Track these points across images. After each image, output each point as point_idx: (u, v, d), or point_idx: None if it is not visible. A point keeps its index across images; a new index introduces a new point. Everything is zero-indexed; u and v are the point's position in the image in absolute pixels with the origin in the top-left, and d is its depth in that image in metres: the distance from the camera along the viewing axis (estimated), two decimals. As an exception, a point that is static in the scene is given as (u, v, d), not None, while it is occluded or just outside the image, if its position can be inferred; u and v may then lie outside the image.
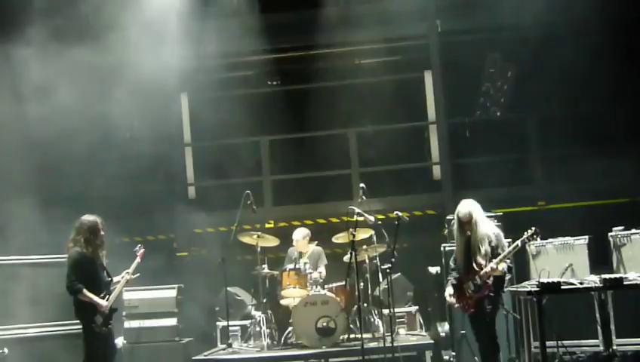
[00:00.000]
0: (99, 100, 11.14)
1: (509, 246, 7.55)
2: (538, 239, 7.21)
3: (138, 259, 8.71)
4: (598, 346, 9.33)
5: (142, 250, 8.79)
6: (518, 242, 7.32)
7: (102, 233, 8.39)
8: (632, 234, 9.27)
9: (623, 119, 12.44)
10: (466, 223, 7.51)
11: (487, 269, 7.35)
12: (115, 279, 8.60)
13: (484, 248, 7.44)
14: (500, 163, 12.82)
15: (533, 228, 7.27)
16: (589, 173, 12.06)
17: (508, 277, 7.54)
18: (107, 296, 8.35)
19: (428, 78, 13.67)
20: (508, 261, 7.47)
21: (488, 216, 9.63)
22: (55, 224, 9.49)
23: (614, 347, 9.15)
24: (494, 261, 7.33)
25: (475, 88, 13.43)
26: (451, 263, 7.96)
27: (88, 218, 8.39)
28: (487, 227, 7.60)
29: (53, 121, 10.44)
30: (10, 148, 10.72)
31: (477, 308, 7.60)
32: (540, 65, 12.49)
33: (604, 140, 12.05)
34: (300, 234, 10.67)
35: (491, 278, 7.42)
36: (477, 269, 7.44)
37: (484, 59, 13.28)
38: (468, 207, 7.60)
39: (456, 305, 7.99)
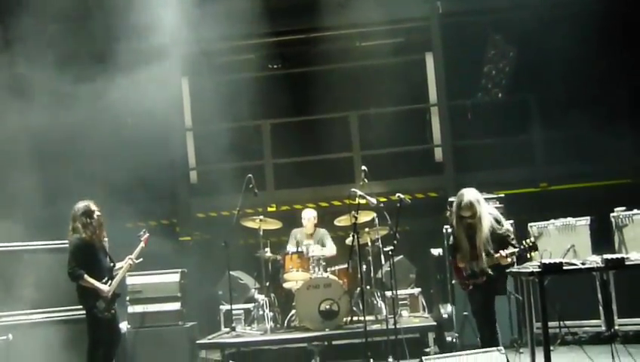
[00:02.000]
0: (99, 86, 11.12)
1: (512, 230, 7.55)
2: (535, 252, 7.19)
3: (142, 244, 8.72)
4: (600, 326, 9.39)
5: (146, 235, 8.80)
6: (516, 250, 7.26)
7: (97, 214, 8.41)
8: (633, 214, 9.31)
9: (625, 100, 12.41)
10: (466, 211, 7.42)
11: (486, 258, 7.31)
12: (119, 265, 8.63)
13: (489, 246, 7.38)
14: (501, 144, 12.82)
15: (532, 240, 7.22)
16: (590, 155, 12.06)
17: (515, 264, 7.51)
18: (109, 281, 8.38)
19: (429, 60, 13.63)
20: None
21: (490, 198, 9.68)
22: (57, 209, 9.51)
23: (616, 327, 9.20)
24: (505, 252, 7.26)
25: (476, 70, 13.39)
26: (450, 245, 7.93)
27: (80, 203, 8.42)
28: (490, 220, 7.49)
29: (54, 107, 10.45)
30: (11, 134, 10.72)
31: (475, 289, 7.60)
32: (541, 47, 12.45)
33: (606, 121, 12.00)
34: (311, 214, 10.72)
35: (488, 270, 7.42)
36: (478, 255, 7.41)
37: (486, 40, 13.23)
38: (470, 196, 7.42)
39: (454, 281, 8.02)
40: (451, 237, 7.85)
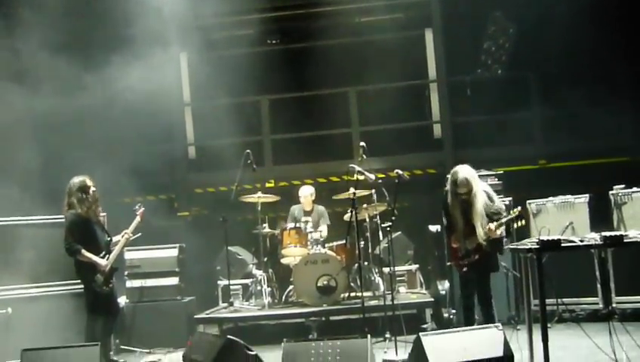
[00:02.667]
0: (98, 61, 11.07)
1: (506, 209, 7.56)
2: (523, 221, 7.21)
3: (138, 218, 8.73)
4: (597, 304, 9.42)
5: (142, 209, 8.80)
6: (503, 220, 7.29)
7: (93, 189, 8.41)
8: (632, 192, 9.31)
9: (626, 78, 12.36)
10: (462, 188, 7.45)
11: (482, 231, 7.35)
12: (115, 239, 8.63)
13: (484, 221, 7.41)
14: (500, 121, 12.79)
15: (519, 209, 7.24)
16: (590, 132, 12.02)
17: (505, 239, 7.53)
18: (107, 256, 8.39)
19: (429, 36, 13.57)
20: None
21: (488, 175, 9.68)
22: (55, 184, 9.50)
23: (614, 304, 9.23)
24: (493, 224, 7.32)
25: (476, 46, 13.32)
26: (444, 222, 7.94)
27: (76, 179, 8.43)
28: (483, 195, 7.54)
29: (52, 82, 10.40)
30: (10, 110, 10.68)
31: (470, 267, 7.63)
32: (541, 24, 12.37)
33: (606, 99, 11.96)
34: (308, 191, 10.70)
35: (484, 244, 7.45)
36: (472, 232, 7.44)
37: (486, 16, 13.15)
38: (465, 173, 7.50)
39: (449, 263, 8.06)
40: (444, 219, 7.88)
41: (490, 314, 7.56)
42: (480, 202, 7.43)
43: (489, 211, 7.46)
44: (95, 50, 11.30)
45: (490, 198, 7.54)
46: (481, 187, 7.60)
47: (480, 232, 7.37)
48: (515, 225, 7.27)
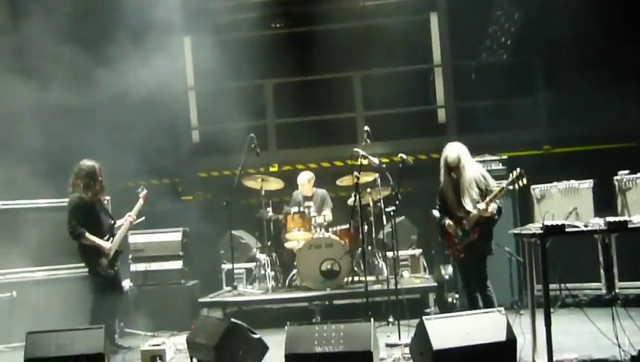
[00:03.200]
0: (101, 46, 11.06)
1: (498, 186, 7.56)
2: (524, 180, 7.15)
3: (141, 201, 8.76)
4: (600, 289, 9.42)
5: (144, 192, 8.82)
6: (504, 184, 7.30)
7: (100, 178, 8.42)
8: (637, 178, 9.29)
9: (631, 63, 12.30)
10: (454, 167, 7.49)
11: (475, 212, 7.37)
12: (119, 222, 8.65)
13: (473, 191, 7.45)
14: (505, 106, 12.74)
15: (518, 170, 7.23)
16: (595, 117, 11.99)
17: (496, 218, 7.54)
18: (111, 239, 8.42)
19: (434, 20, 13.48)
20: (497, 202, 7.47)
21: (492, 160, 9.67)
22: (59, 168, 9.52)
23: (617, 290, 9.23)
24: (483, 202, 7.34)
25: (481, 31, 13.27)
26: (437, 205, 7.94)
27: (86, 163, 8.41)
28: (475, 170, 7.58)
29: (57, 65, 10.39)
30: (13, 95, 10.68)
31: (466, 253, 7.64)
32: (547, 8, 12.30)
33: (611, 84, 11.92)
34: (305, 178, 10.68)
35: (479, 222, 7.46)
36: (465, 214, 7.46)
37: (491, 1, 13.09)
38: (456, 151, 7.55)
39: (447, 251, 8.07)
40: (438, 204, 7.89)
41: (489, 298, 7.58)
42: (469, 173, 7.48)
43: (482, 186, 7.49)
44: (99, 35, 11.27)
45: (483, 177, 7.56)
46: (475, 166, 7.65)
47: (469, 206, 7.41)
48: (517, 186, 7.23)
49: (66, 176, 8.70)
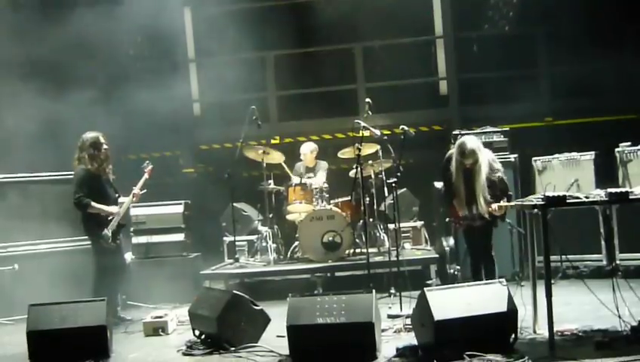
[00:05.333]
0: (102, 17, 11.00)
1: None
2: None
3: (146, 176, 8.76)
4: (601, 261, 9.44)
5: (150, 167, 8.82)
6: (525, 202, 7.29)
7: (105, 147, 8.42)
8: (638, 149, 9.27)
9: (633, 35, 12.24)
10: (469, 159, 7.39)
11: (484, 202, 7.37)
12: (123, 199, 8.66)
13: (483, 184, 7.40)
14: (507, 78, 12.70)
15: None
16: (596, 89, 11.96)
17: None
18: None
19: (435, -9, 13.42)
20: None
21: (494, 132, 9.65)
22: (60, 141, 9.51)
23: (617, 261, 9.24)
24: (496, 204, 7.32)
25: (483, 2, 13.20)
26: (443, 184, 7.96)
27: (89, 134, 8.43)
28: (487, 161, 7.53)
29: (58, 35, 10.35)
30: (14, 65, 10.65)
31: (471, 226, 7.67)
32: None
33: (613, 56, 11.88)
34: (308, 148, 10.66)
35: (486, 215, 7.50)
36: (476, 200, 7.45)
37: (494, -29, 13.03)
38: (472, 144, 7.42)
39: (448, 219, 8.11)
40: (443, 186, 7.89)
41: (492, 270, 7.61)
42: (484, 173, 7.42)
43: (490, 180, 7.47)
44: (99, 6, 11.21)
45: (492, 169, 7.53)
46: (486, 157, 7.58)
47: (482, 203, 7.39)
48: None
49: (67, 149, 8.69)
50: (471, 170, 7.45)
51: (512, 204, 7.27)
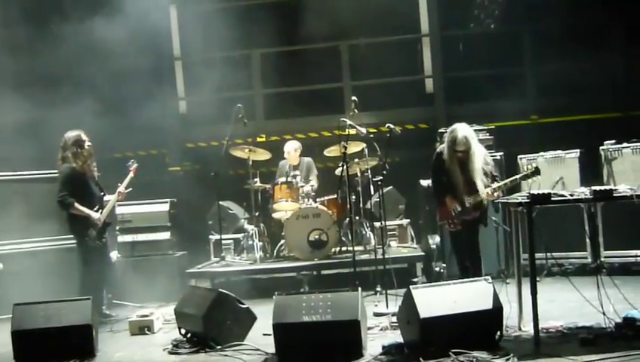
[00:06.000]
0: (87, 15, 10.95)
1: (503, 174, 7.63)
2: (539, 177, 7.17)
3: (131, 174, 8.74)
4: (586, 258, 9.49)
5: (135, 165, 8.80)
6: (517, 176, 7.33)
7: (88, 144, 8.40)
8: (622, 147, 9.33)
9: (618, 33, 12.31)
10: (461, 146, 7.41)
11: (483, 195, 7.40)
12: (109, 197, 8.64)
13: (479, 168, 7.45)
14: (492, 76, 12.73)
15: (535, 165, 7.26)
16: (581, 88, 12.00)
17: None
18: (100, 210, 8.41)
19: (421, -10, 13.43)
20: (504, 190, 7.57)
21: (480, 130, 9.67)
22: (46, 140, 9.46)
23: (602, 258, 9.30)
24: (491, 188, 7.37)
25: (469, 0, 13.22)
26: (432, 179, 7.97)
27: (71, 133, 8.42)
28: (481, 153, 7.57)
29: (42, 36, 10.31)
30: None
31: (462, 226, 7.69)
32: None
33: (598, 54, 11.94)
34: (292, 147, 10.66)
35: (482, 205, 7.55)
36: (471, 190, 7.47)
37: (479, -30, 13.04)
38: (464, 131, 7.45)
39: (441, 222, 8.12)
40: (433, 185, 7.90)
41: (479, 269, 7.64)
42: (479, 159, 7.45)
43: (487, 170, 7.51)
44: (84, 4, 11.17)
45: (486, 162, 7.57)
46: (480, 148, 7.63)
47: (481, 187, 7.42)
48: (530, 181, 7.25)
49: (52, 148, 8.65)
50: (465, 159, 7.46)
51: (508, 181, 7.34)
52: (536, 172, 7.16)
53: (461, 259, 7.87)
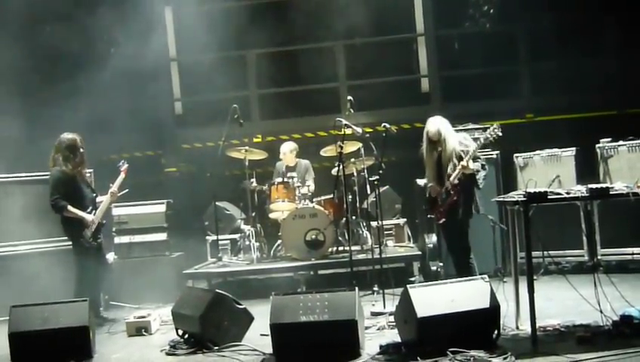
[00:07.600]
0: (82, 16, 10.94)
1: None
2: (499, 132, 7.28)
3: (122, 175, 8.71)
4: (583, 256, 9.50)
5: (125, 165, 8.77)
6: (481, 138, 7.54)
7: (81, 150, 8.36)
8: (619, 145, 9.34)
9: (614, 32, 12.32)
10: (436, 141, 7.75)
11: (459, 168, 7.55)
12: (101, 198, 8.61)
13: (450, 153, 7.69)
14: (488, 75, 12.74)
15: (495, 124, 7.36)
16: (577, 86, 12.02)
17: (483, 174, 7.65)
18: (93, 212, 8.38)
19: (417, -11, 13.43)
20: (480, 160, 7.72)
21: (476, 129, 9.68)
22: (41, 141, 9.43)
23: (599, 256, 9.30)
24: (464, 159, 7.53)
25: (464, 0, 13.22)
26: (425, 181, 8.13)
27: (67, 136, 8.36)
28: (455, 140, 7.79)
29: (37, 37, 10.28)
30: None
31: (448, 216, 7.77)
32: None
33: (594, 53, 11.96)
34: (288, 148, 10.66)
35: (459, 181, 7.64)
36: (444, 173, 7.64)
37: (474, -31, 13.04)
38: (436, 124, 7.80)
39: (429, 216, 8.20)
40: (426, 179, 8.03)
41: (466, 263, 7.66)
42: (450, 144, 7.71)
43: (464, 150, 7.67)
44: (80, 5, 11.16)
45: (463, 143, 7.77)
46: (455, 136, 7.85)
47: (449, 172, 7.64)
48: (493, 138, 7.37)
49: (46, 149, 8.62)
50: (439, 146, 7.77)
51: (473, 148, 7.53)
52: (496, 128, 7.37)
53: (454, 255, 7.91)
